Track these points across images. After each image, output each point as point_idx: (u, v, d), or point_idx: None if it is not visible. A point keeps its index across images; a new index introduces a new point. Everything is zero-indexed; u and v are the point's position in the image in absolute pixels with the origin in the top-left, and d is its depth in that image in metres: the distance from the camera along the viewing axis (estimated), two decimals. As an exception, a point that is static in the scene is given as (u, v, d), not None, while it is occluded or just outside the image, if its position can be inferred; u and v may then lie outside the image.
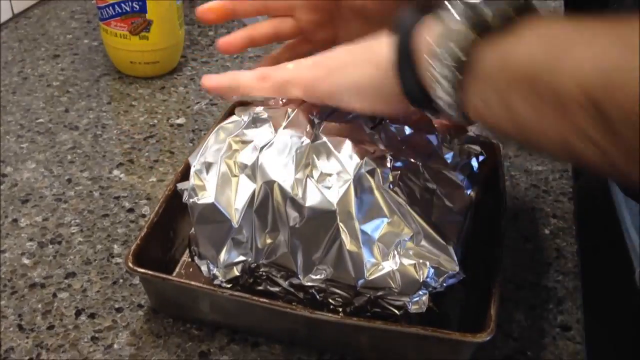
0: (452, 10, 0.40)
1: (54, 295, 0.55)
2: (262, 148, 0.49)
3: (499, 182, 0.58)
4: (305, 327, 0.50)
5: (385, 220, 0.47)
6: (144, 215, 0.63)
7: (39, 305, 0.54)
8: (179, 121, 0.77)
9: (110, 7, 0.79)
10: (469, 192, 0.51)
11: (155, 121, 0.77)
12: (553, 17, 0.40)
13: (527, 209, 0.65)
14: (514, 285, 0.57)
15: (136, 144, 0.73)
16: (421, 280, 0.47)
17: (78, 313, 0.53)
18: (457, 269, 0.48)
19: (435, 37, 0.40)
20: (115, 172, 0.69)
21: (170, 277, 0.52)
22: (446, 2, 0.40)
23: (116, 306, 0.54)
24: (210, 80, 0.52)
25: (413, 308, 0.47)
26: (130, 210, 0.64)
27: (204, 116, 0.78)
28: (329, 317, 0.47)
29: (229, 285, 0.50)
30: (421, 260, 0.47)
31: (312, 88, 0.48)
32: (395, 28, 0.43)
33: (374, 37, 0.46)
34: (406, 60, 0.42)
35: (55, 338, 0.51)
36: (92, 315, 0.53)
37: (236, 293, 0.48)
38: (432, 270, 0.47)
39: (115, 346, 0.51)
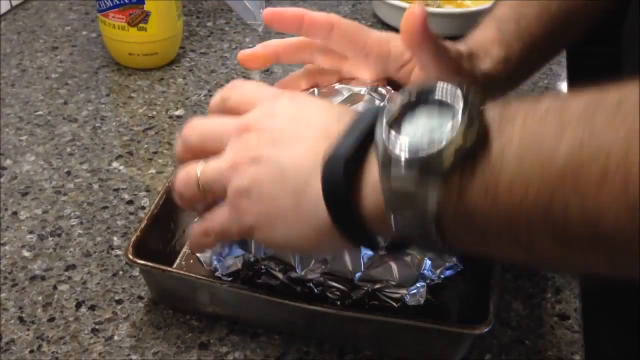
0: (393, 164, 0.32)
1: (54, 287, 0.55)
2: None
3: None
4: (304, 318, 0.50)
5: None
6: (143, 207, 0.63)
7: (40, 298, 0.54)
8: (177, 112, 0.77)
9: (108, -1, 0.79)
10: None
11: (154, 113, 0.77)
12: (528, 112, 0.31)
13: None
14: (512, 274, 0.57)
15: (135, 135, 0.73)
16: (418, 273, 0.47)
17: (78, 305, 0.53)
18: (454, 260, 0.48)
19: (385, 200, 0.34)
20: (115, 164, 0.69)
21: (170, 268, 0.52)
22: (380, 140, 0.34)
23: (116, 298, 0.54)
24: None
25: (411, 300, 0.48)
26: (130, 202, 0.64)
27: (202, 107, 0.78)
28: (327, 308, 0.47)
29: (229, 279, 0.50)
30: (418, 253, 0.47)
31: (251, 237, 0.43)
32: (323, 182, 0.36)
33: (293, 160, 0.39)
34: (350, 224, 0.37)
35: (56, 330, 0.51)
36: (92, 307, 0.53)
37: (236, 285, 0.49)
38: (429, 262, 0.48)
39: (116, 338, 0.51)
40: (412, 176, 0.32)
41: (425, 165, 0.31)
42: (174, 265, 0.56)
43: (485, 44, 0.53)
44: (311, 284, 0.48)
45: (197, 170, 0.44)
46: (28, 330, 0.51)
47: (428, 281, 0.48)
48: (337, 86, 0.53)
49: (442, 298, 0.51)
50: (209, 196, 0.44)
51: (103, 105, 0.78)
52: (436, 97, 0.33)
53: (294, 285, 0.49)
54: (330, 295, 0.48)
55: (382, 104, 0.53)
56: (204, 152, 0.44)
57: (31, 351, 0.50)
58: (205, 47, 0.90)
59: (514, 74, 0.55)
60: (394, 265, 0.48)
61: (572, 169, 0.28)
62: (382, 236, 0.38)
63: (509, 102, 0.33)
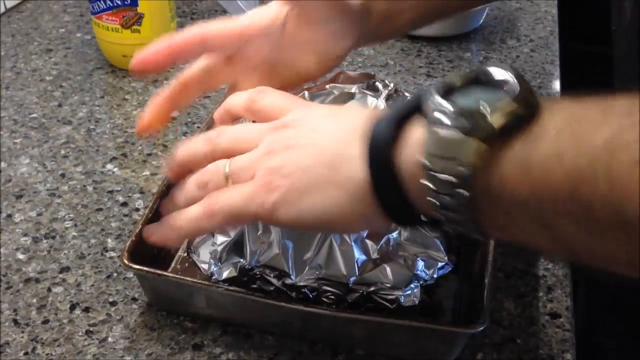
0: (441, 116, 0.33)
1: (49, 289, 0.55)
2: None
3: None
4: (300, 320, 0.50)
5: None
6: (137, 209, 0.63)
7: (34, 300, 0.54)
8: (172, 114, 0.77)
9: (102, 1, 0.79)
10: None
11: (148, 114, 0.77)
12: (574, 101, 0.32)
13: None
14: (504, 273, 0.57)
15: (129, 137, 0.73)
16: (412, 274, 0.48)
17: (72, 307, 0.54)
18: (445, 259, 0.48)
19: (427, 154, 0.33)
20: (109, 166, 0.69)
21: (165, 273, 0.52)
22: (430, 103, 0.34)
23: (110, 300, 0.54)
24: (152, 235, 0.46)
25: (406, 302, 0.48)
26: (124, 204, 0.64)
27: (197, 109, 0.78)
28: (323, 310, 0.48)
29: (225, 284, 0.51)
30: (410, 254, 0.48)
31: (270, 217, 0.40)
32: (367, 142, 0.36)
33: (331, 136, 0.39)
34: (389, 185, 0.36)
35: (50, 332, 0.52)
36: (86, 309, 0.54)
37: (233, 288, 0.49)
38: (422, 263, 0.48)
39: (110, 339, 0.51)
40: (457, 125, 0.32)
41: (473, 117, 0.32)
42: (169, 269, 0.56)
43: None
44: (306, 290, 0.49)
45: (226, 163, 0.42)
46: (22, 332, 0.52)
47: (422, 282, 0.49)
48: (328, 86, 0.54)
49: (437, 298, 0.51)
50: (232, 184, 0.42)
51: (97, 107, 0.78)
52: (491, 74, 0.34)
53: (288, 291, 0.49)
54: (325, 300, 0.49)
55: (381, 99, 0.53)
56: (231, 154, 0.43)
57: (25, 353, 0.50)
58: (200, 49, 0.90)
59: (413, 13, 0.53)
60: (387, 268, 0.48)
61: (607, 151, 0.28)
62: (416, 205, 0.36)
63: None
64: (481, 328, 0.46)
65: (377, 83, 0.55)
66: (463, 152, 0.32)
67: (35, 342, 0.51)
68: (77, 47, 0.90)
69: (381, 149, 0.36)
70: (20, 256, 0.58)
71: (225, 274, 0.50)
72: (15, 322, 0.52)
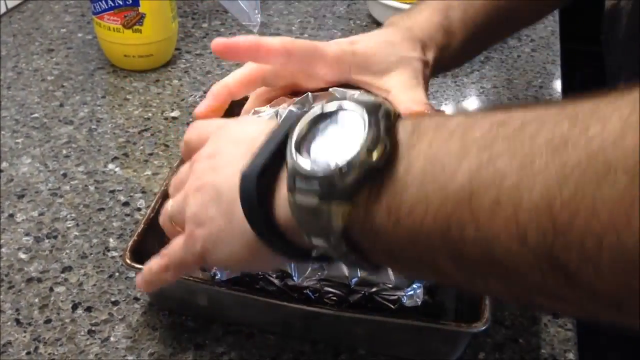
0: (299, 182, 0.33)
1: (51, 289, 0.55)
2: None
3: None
4: (302, 320, 0.50)
5: None
6: (139, 209, 0.63)
7: (36, 300, 0.54)
8: (173, 114, 0.77)
9: (103, 1, 0.79)
10: None
11: (150, 114, 0.77)
12: (435, 130, 0.31)
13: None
14: (506, 273, 0.57)
15: (131, 137, 0.73)
16: None
17: (75, 307, 0.54)
18: None
19: (294, 219, 0.34)
20: (110, 166, 0.69)
21: None
22: (289, 162, 0.34)
23: (112, 299, 0.54)
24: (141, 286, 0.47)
25: (408, 302, 0.48)
26: (126, 204, 0.64)
27: (198, 109, 0.78)
28: (325, 309, 0.48)
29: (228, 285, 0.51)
30: None
31: (205, 262, 0.43)
32: (241, 198, 0.37)
33: (228, 176, 0.39)
34: (272, 239, 0.37)
35: (53, 332, 0.52)
36: (88, 309, 0.54)
37: (235, 288, 0.49)
38: None
39: (112, 339, 0.51)
40: (315, 191, 0.32)
41: (326, 181, 0.32)
42: (171, 268, 0.56)
43: (431, 32, 0.53)
44: (308, 291, 0.49)
45: (168, 206, 0.46)
46: (25, 332, 0.52)
47: (424, 282, 0.49)
48: (330, 89, 0.54)
49: (439, 298, 0.51)
50: (180, 230, 0.44)
51: (99, 107, 0.78)
52: (346, 114, 0.34)
53: (290, 292, 0.49)
54: (327, 301, 0.49)
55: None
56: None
57: (28, 353, 0.50)
58: (201, 49, 0.90)
59: (450, 61, 0.56)
60: (390, 269, 0.48)
61: (469, 193, 0.28)
62: (304, 248, 0.37)
63: (423, 118, 0.33)
64: (483, 327, 0.46)
65: None
66: (325, 218, 0.32)
67: (37, 342, 0.51)
68: (78, 47, 0.90)
69: (252, 206, 0.36)
70: (22, 256, 0.58)
71: (227, 274, 0.50)
72: (18, 321, 0.52)
